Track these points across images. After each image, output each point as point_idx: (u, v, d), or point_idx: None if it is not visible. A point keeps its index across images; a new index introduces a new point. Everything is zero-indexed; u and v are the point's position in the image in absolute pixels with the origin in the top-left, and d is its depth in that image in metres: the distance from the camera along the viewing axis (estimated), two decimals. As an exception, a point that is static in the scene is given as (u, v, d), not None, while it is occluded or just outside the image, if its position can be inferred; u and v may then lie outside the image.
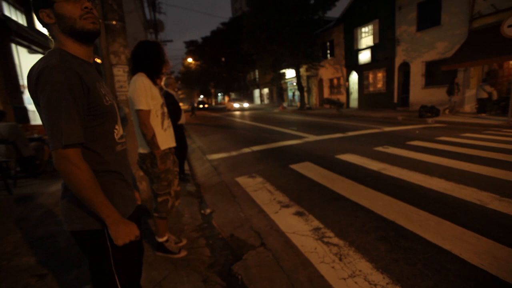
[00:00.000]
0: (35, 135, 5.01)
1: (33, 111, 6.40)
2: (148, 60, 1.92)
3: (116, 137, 1.01)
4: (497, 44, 8.67)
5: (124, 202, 1.02)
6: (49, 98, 0.80)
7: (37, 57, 6.65)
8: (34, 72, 0.83)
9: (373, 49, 16.03)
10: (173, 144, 2.11)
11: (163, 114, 2.02)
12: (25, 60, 6.14)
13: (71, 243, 2.29)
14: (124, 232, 0.90)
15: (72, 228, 0.94)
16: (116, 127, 1.02)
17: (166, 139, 2.03)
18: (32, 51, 6.30)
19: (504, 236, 2.11)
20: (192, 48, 37.15)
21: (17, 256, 2.16)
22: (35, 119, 6.28)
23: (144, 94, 1.83)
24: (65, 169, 0.81)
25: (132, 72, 1.96)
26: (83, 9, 0.89)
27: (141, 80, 1.85)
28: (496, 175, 3.43)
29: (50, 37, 0.94)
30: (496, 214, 2.46)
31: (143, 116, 1.83)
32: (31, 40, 6.01)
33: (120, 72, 3.07)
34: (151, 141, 1.86)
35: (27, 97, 6.13)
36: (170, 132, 2.11)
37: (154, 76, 1.97)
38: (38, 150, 4.59)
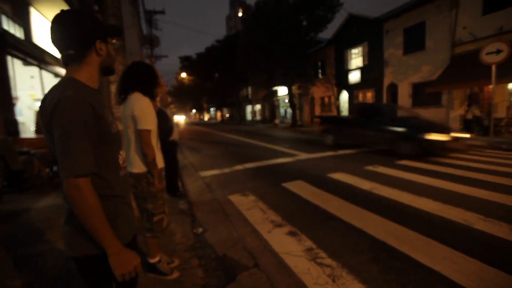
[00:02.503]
0: (25, 149, 4.91)
1: (23, 123, 6.30)
2: (145, 82, 1.95)
3: (120, 162, 1.05)
4: (477, 69, 9.21)
5: (127, 226, 1.04)
6: (64, 129, 0.83)
7: (31, 69, 6.64)
8: (48, 103, 0.87)
9: (362, 70, 16.69)
10: (162, 164, 2.14)
11: (157, 134, 2.07)
12: (19, 72, 6.11)
13: (60, 263, 2.22)
14: (124, 263, 0.91)
15: (75, 254, 0.95)
16: (121, 152, 1.06)
17: (160, 159, 2.07)
18: (27, 63, 6.28)
19: (490, 256, 2.18)
20: (187, 63, 37.63)
21: (0, 278, 2.08)
22: (25, 131, 6.17)
23: (151, 114, 1.87)
24: (74, 198, 0.84)
25: (123, 91, 1.94)
26: (114, 52, 1.05)
27: (147, 100, 1.89)
28: (480, 195, 3.56)
29: (62, 64, 0.99)
30: (481, 234, 2.55)
31: (147, 136, 1.85)
32: (27, 53, 6.01)
33: (117, 90, 3.12)
34: (152, 161, 1.88)
35: (18, 108, 6.06)
36: (160, 151, 2.14)
37: (150, 98, 2.00)
38: (26, 163, 4.49)
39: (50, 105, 0.86)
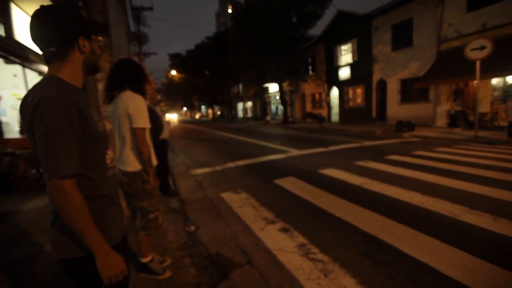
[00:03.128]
0: (9, 149, 4.75)
1: (6, 123, 6.09)
2: (134, 79, 1.92)
3: (108, 162, 1.03)
4: (462, 65, 9.45)
5: (116, 226, 1.02)
6: (46, 129, 0.81)
7: (14, 67, 6.41)
8: (30, 102, 0.84)
9: (352, 66, 16.86)
10: (155, 161, 2.12)
11: (149, 132, 2.04)
12: (1, 70, 5.90)
13: (49, 266, 2.18)
14: (111, 265, 0.89)
15: (62, 256, 0.93)
16: (108, 152, 1.04)
17: (153, 156, 2.06)
18: (9, 61, 6.06)
19: (475, 247, 2.25)
20: (176, 61, 37.10)
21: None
22: (9, 132, 5.97)
23: (145, 112, 1.85)
24: (59, 200, 0.82)
25: (111, 89, 1.91)
26: (100, 50, 1.02)
27: (140, 98, 1.86)
28: (465, 188, 3.67)
29: (44, 61, 0.95)
30: (467, 226, 2.63)
31: (142, 134, 1.83)
32: (9, 51, 5.79)
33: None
34: (148, 159, 1.86)
35: (1, 108, 5.84)
36: (153, 149, 2.12)
37: (141, 95, 1.98)
38: (11, 165, 4.36)
39: (31, 105, 0.83)
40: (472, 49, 7.81)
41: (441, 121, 11.92)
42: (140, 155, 1.85)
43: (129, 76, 1.91)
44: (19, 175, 4.46)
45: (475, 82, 8.73)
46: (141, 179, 1.92)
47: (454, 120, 10.64)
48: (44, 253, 2.42)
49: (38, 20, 0.88)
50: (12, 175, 4.35)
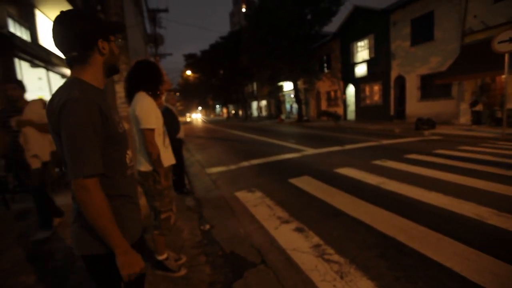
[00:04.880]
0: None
1: (33, 124, 6.41)
2: (149, 80, 1.95)
3: (128, 162, 1.05)
4: (488, 59, 8.92)
5: (133, 225, 1.04)
6: (71, 130, 0.84)
7: (39, 70, 6.74)
8: (55, 104, 0.87)
9: (369, 63, 16.40)
10: (173, 161, 2.15)
11: (164, 132, 2.07)
12: (27, 74, 6.20)
13: (70, 261, 2.26)
14: (131, 263, 0.91)
15: (83, 252, 0.95)
16: (128, 152, 1.07)
17: (167, 157, 2.08)
18: (34, 65, 6.38)
19: (504, 252, 2.11)
20: (191, 61, 37.67)
21: (14, 275, 2.13)
22: (35, 132, 6.29)
23: (153, 113, 1.87)
24: (83, 198, 0.84)
25: (129, 91, 1.97)
26: (118, 50, 1.04)
27: (148, 99, 1.89)
28: (493, 189, 3.46)
29: (67, 65, 0.98)
30: (496, 230, 2.48)
31: (150, 135, 1.85)
32: (34, 55, 6.10)
33: (122, 89, 3.13)
34: (157, 160, 1.88)
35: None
36: (170, 149, 2.14)
37: (155, 96, 2.01)
38: (37, 164, 4.57)
39: (57, 106, 0.86)
40: (500, 42, 7.36)
41: (465, 118, 11.34)
42: (149, 155, 1.88)
43: (143, 78, 1.95)
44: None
45: (503, 76, 8.22)
46: (152, 179, 1.95)
47: (477, 117, 10.09)
48: (67, 247, 2.52)
49: (59, 26, 0.90)
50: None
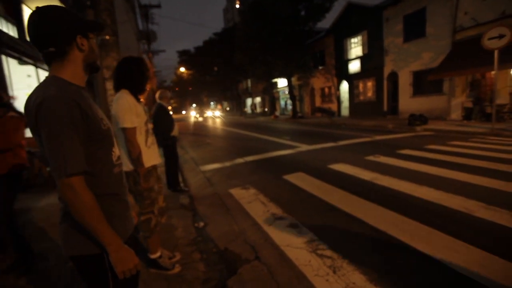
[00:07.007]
0: (25, 148, 4.90)
1: (22, 123, 6.28)
2: (131, 77, 1.93)
3: (114, 159, 1.03)
4: (479, 55, 9.05)
5: (124, 224, 1.03)
6: (50, 130, 0.82)
7: (27, 68, 6.60)
8: (32, 104, 0.85)
9: (362, 59, 16.47)
10: (157, 161, 2.11)
11: (147, 131, 2.03)
12: (15, 71, 6.08)
13: (62, 262, 2.24)
14: (124, 260, 0.91)
15: (72, 253, 0.94)
16: (113, 149, 1.04)
17: (150, 157, 2.03)
18: (22, 62, 6.24)
19: (491, 244, 2.17)
20: (185, 57, 37.31)
21: (6, 275, 2.10)
22: (24, 131, 6.17)
23: (129, 112, 1.84)
24: (70, 197, 0.83)
25: (116, 89, 1.95)
26: (98, 48, 1.02)
27: (125, 98, 1.86)
28: (482, 183, 3.54)
29: (44, 62, 0.96)
30: (483, 223, 2.54)
31: (129, 134, 1.83)
32: (22, 52, 5.96)
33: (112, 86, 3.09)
34: (137, 159, 1.86)
35: (17, 107, 5.99)
36: (154, 149, 2.11)
37: (137, 93, 1.97)
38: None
39: (34, 106, 0.84)
40: (490, 38, 7.46)
41: (456, 114, 11.52)
42: (129, 154, 1.86)
43: (127, 75, 1.92)
44: (35, 173, 4.60)
45: (493, 72, 8.36)
46: (132, 179, 1.93)
47: (469, 112, 10.24)
48: (58, 247, 2.49)
49: (35, 21, 0.88)
50: (28, 173, 4.48)
